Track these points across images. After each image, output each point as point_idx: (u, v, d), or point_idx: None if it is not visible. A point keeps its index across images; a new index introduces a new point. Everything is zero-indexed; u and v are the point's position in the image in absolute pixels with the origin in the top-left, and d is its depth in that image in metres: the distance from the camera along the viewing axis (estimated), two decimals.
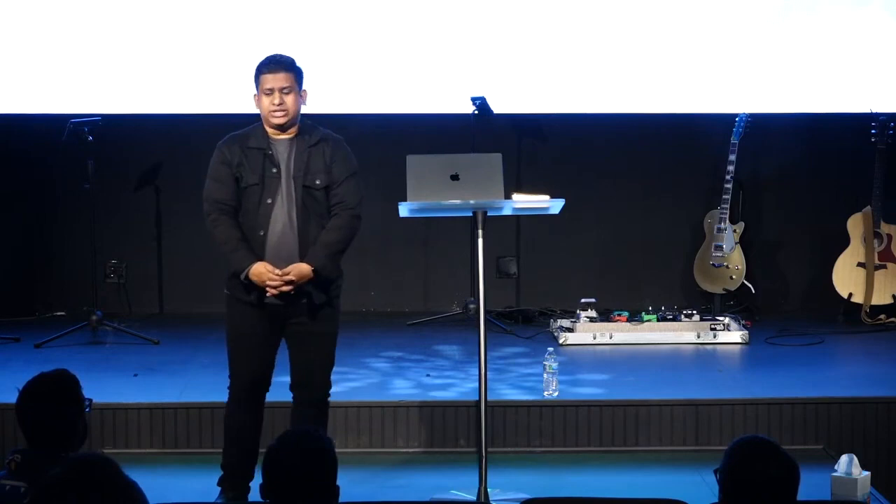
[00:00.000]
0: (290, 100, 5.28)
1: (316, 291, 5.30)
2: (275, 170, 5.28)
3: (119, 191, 8.61)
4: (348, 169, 5.36)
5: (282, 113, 5.28)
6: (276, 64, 5.31)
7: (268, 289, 5.20)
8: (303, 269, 5.23)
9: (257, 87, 5.34)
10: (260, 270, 5.19)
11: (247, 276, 5.21)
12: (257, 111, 5.38)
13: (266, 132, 5.34)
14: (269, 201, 5.27)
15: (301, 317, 5.31)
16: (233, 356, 5.39)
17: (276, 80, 5.28)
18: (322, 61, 8.46)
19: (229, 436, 5.46)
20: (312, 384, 5.40)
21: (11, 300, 8.61)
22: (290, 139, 5.33)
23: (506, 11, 8.55)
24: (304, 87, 5.37)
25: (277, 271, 5.19)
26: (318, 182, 5.30)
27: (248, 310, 5.29)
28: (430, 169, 5.57)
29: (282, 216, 5.28)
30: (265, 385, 5.43)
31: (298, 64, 5.37)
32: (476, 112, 8.19)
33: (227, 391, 5.44)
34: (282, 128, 5.31)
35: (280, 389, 5.51)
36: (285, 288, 5.20)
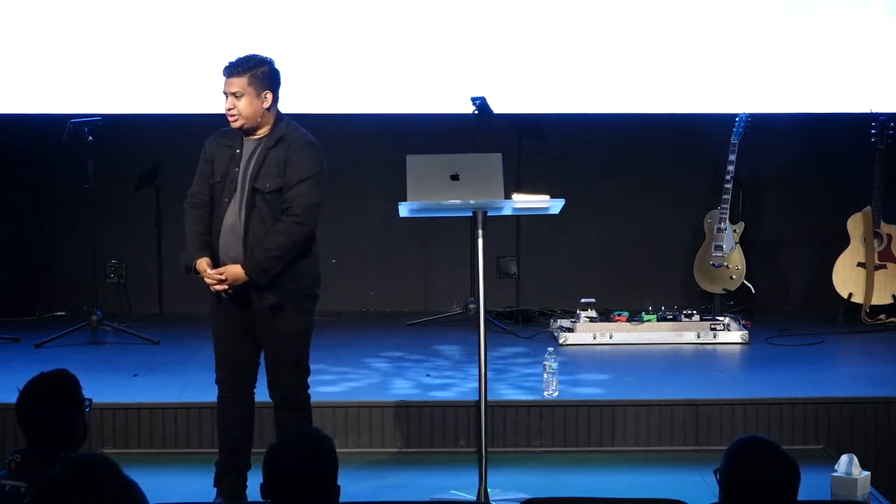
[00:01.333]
0: (241, 104, 5.26)
1: (275, 293, 5.29)
2: (236, 169, 5.31)
3: (119, 191, 8.60)
4: (302, 173, 5.28)
5: (233, 118, 5.29)
6: (229, 68, 5.31)
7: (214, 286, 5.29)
8: (236, 270, 5.25)
9: None
10: (201, 267, 5.29)
11: (193, 270, 5.31)
12: None
13: (242, 132, 5.38)
14: (227, 200, 5.31)
15: (263, 317, 5.33)
16: (215, 356, 5.49)
17: (228, 84, 5.29)
18: (322, 61, 8.47)
19: (218, 430, 5.55)
20: (279, 385, 5.40)
21: (11, 300, 8.61)
22: (258, 140, 5.33)
23: (506, 11, 8.55)
24: (269, 88, 5.30)
25: (210, 271, 5.25)
26: (268, 185, 5.28)
27: (215, 304, 5.38)
28: (430, 169, 5.57)
29: (231, 216, 5.30)
30: (244, 380, 5.43)
31: (265, 66, 5.32)
32: (476, 112, 8.19)
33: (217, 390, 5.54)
34: (243, 131, 5.32)
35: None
36: (219, 287, 5.25)
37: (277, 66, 5.41)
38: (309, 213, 5.30)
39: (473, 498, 5.49)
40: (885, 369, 7.25)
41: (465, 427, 6.37)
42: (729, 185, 8.36)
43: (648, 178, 8.84)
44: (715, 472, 3.53)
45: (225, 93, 5.29)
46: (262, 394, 5.50)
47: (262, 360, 5.45)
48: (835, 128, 8.72)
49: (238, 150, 5.32)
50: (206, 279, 5.27)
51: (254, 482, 5.37)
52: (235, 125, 5.31)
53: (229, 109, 5.28)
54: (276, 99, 5.34)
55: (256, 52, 5.40)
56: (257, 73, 5.29)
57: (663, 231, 8.84)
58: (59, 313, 8.61)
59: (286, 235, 5.26)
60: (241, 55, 5.37)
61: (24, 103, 8.51)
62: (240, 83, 5.27)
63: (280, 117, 5.37)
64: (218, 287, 5.25)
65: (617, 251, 8.87)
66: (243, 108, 5.27)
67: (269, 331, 5.34)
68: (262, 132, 5.33)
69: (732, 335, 7.88)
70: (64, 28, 8.47)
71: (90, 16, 8.47)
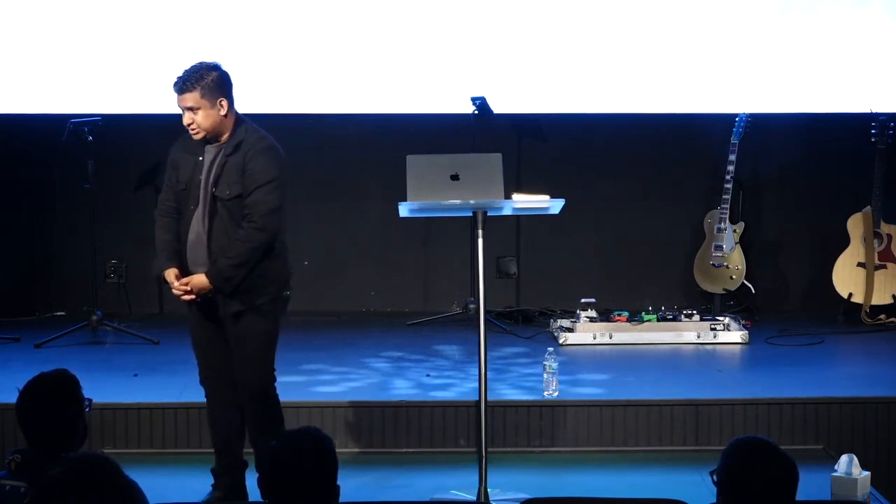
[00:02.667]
0: (199, 117, 5.26)
1: (238, 300, 5.30)
2: (200, 177, 5.32)
3: (119, 191, 8.60)
4: (260, 179, 5.27)
5: (195, 132, 5.30)
6: (179, 84, 5.28)
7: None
8: (201, 280, 5.30)
9: None
10: (168, 277, 5.36)
11: (162, 279, 5.39)
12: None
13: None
14: (192, 208, 5.34)
15: (229, 322, 5.36)
16: (196, 358, 5.56)
17: (181, 100, 5.29)
18: (322, 61, 8.47)
19: (211, 434, 5.60)
20: (243, 384, 5.42)
21: (11, 300, 8.61)
22: (218, 147, 5.33)
23: (506, 11, 8.55)
24: (222, 95, 5.27)
25: (176, 282, 5.31)
26: (227, 192, 5.28)
27: (192, 309, 5.43)
28: (430, 169, 5.57)
29: (196, 224, 5.33)
30: (225, 381, 5.45)
31: (213, 74, 5.27)
32: (476, 112, 8.19)
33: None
34: (205, 141, 5.32)
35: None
36: (186, 297, 5.31)
37: (225, 67, 5.37)
38: (268, 219, 5.28)
39: (473, 498, 5.50)
40: (885, 369, 7.25)
41: (465, 427, 6.37)
42: (729, 185, 8.36)
43: (648, 178, 8.84)
44: (711, 473, 3.52)
45: (181, 108, 5.28)
46: None
47: None
48: (835, 128, 8.72)
49: (200, 158, 5.33)
50: (172, 290, 5.34)
51: (253, 482, 5.37)
52: (198, 138, 5.31)
53: (189, 125, 5.28)
54: (231, 103, 5.32)
55: (202, 60, 5.37)
56: (207, 83, 5.26)
57: (663, 231, 8.84)
58: (59, 313, 8.61)
59: (246, 243, 5.26)
60: (188, 67, 5.33)
61: (24, 103, 8.51)
62: (193, 98, 5.25)
63: (240, 120, 5.36)
64: (185, 297, 5.32)
65: (617, 251, 8.87)
66: (202, 121, 5.27)
67: (234, 335, 5.37)
68: (224, 138, 5.33)
69: (732, 335, 7.88)
70: (64, 28, 8.47)
71: (90, 16, 8.47)
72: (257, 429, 5.36)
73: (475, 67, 8.52)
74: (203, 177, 5.31)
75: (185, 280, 5.30)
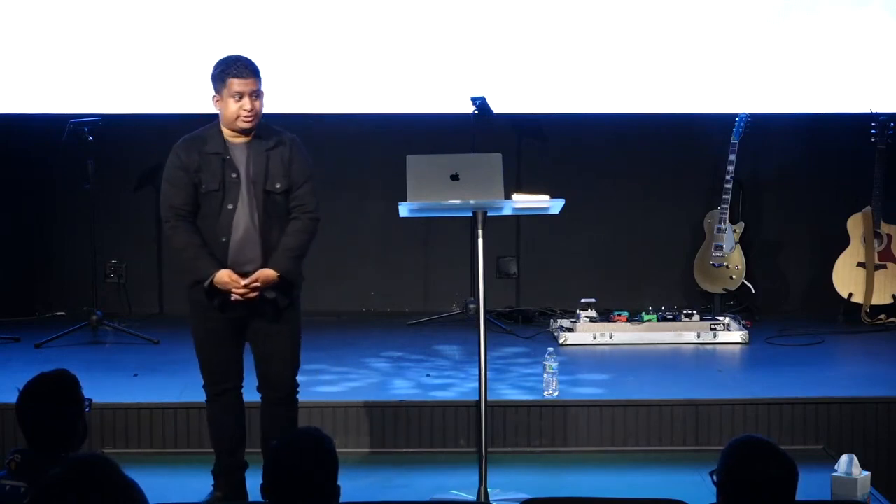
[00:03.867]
0: (258, 104, 5.25)
1: (279, 294, 5.30)
2: (234, 175, 5.25)
3: (119, 191, 8.60)
4: (307, 172, 5.34)
5: (252, 117, 5.24)
6: (246, 68, 5.24)
7: (233, 294, 5.21)
8: (268, 274, 5.24)
9: (220, 89, 5.26)
10: (224, 280, 5.20)
11: (211, 284, 5.20)
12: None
13: (223, 135, 5.29)
14: (231, 207, 5.24)
15: (264, 318, 5.32)
16: (202, 361, 5.42)
17: (246, 84, 5.23)
18: (322, 61, 8.47)
19: (212, 434, 5.51)
20: (278, 383, 5.40)
21: (11, 300, 8.61)
22: (247, 143, 5.29)
23: (506, 11, 8.55)
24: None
25: (242, 280, 5.20)
26: (278, 186, 5.28)
27: (211, 314, 5.28)
28: (430, 169, 5.57)
29: (244, 221, 5.26)
30: (238, 383, 5.44)
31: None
32: (476, 112, 8.19)
33: (204, 395, 5.49)
34: (247, 132, 5.27)
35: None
36: (252, 295, 5.22)
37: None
38: (319, 210, 5.37)
39: (473, 498, 5.49)
40: (885, 369, 7.25)
41: (465, 427, 6.37)
42: (729, 185, 8.36)
43: (648, 178, 8.84)
44: (711, 474, 3.52)
45: (239, 93, 5.22)
46: (249, 393, 5.51)
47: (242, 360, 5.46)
48: (835, 128, 8.72)
49: (227, 156, 5.27)
50: (234, 290, 5.20)
51: (253, 482, 5.37)
52: (249, 126, 5.24)
53: (250, 110, 5.22)
54: None
55: (240, 55, 5.35)
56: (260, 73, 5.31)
57: (663, 231, 8.84)
58: (59, 313, 8.61)
59: (308, 233, 5.32)
60: (233, 55, 5.32)
61: (24, 103, 8.51)
62: (257, 83, 5.25)
63: None
64: (251, 295, 5.21)
65: (617, 251, 8.87)
66: (259, 109, 5.26)
67: (270, 331, 5.33)
68: (252, 133, 5.30)
69: (732, 335, 7.88)
70: (64, 28, 8.47)
71: (90, 16, 8.47)
72: (281, 428, 5.25)
73: (475, 67, 8.52)
74: (244, 173, 5.24)
75: (255, 276, 5.19)
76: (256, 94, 5.24)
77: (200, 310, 5.32)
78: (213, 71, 5.33)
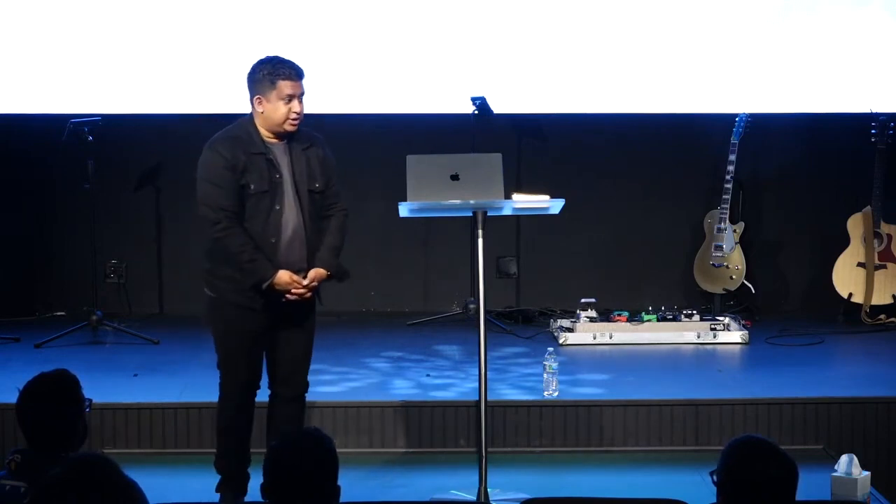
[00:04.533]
0: (303, 107, 5.26)
1: (316, 293, 5.36)
2: (278, 175, 5.23)
3: (119, 191, 8.60)
4: (334, 168, 5.41)
5: (296, 122, 5.24)
6: (295, 71, 5.23)
7: (288, 295, 5.20)
8: (321, 273, 5.28)
9: (266, 91, 5.21)
10: (285, 280, 5.19)
11: (269, 285, 5.18)
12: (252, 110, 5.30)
13: (261, 136, 5.26)
14: (278, 208, 5.21)
15: (291, 319, 5.31)
16: (228, 358, 5.35)
17: (296, 87, 5.21)
18: (322, 61, 8.46)
19: (228, 438, 5.43)
20: (298, 381, 5.42)
21: (11, 300, 8.61)
22: (284, 143, 5.28)
23: (506, 11, 8.55)
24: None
25: (303, 280, 5.22)
26: (317, 185, 5.31)
27: (243, 312, 5.25)
28: (430, 169, 5.57)
29: (292, 222, 5.25)
30: (258, 384, 5.43)
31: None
32: (476, 112, 8.19)
33: (221, 394, 5.40)
34: (289, 135, 5.26)
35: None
36: (308, 294, 5.25)
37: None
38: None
39: (473, 498, 5.49)
40: (885, 369, 7.25)
41: (465, 427, 6.37)
42: (729, 185, 8.36)
43: (648, 178, 8.84)
44: (711, 474, 3.52)
45: (290, 96, 5.19)
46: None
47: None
48: (835, 128, 8.72)
49: (270, 156, 5.24)
50: (294, 290, 5.20)
51: (253, 482, 5.37)
52: (294, 129, 5.23)
53: (298, 113, 5.21)
54: None
55: (283, 57, 5.33)
56: None
57: (663, 231, 8.84)
58: (59, 313, 8.61)
59: (343, 230, 5.39)
60: (279, 56, 5.29)
61: (24, 103, 8.51)
62: (303, 86, 5.25)
63: None
64: (308, 295, 5.25)
65: (617, 251, 8.87)
66: (302, 112, 5.26)
67: (303, 332, 5.37)
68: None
69: (732, 335, 7.88)
70: (64, 28, 8.47)
71: (90, 16, 8.47)
72: (295, 425, 5.26)
73: (475, 67, 8.52)
74: (288, 173, 5.23)
75: (311, 275, 5.23)
76: (302, 97, 5.24)
77: (239, 313, 5.25)
78: (257, 72, 5.26)
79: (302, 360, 5.41)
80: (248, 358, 5.33)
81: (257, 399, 5.46)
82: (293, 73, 5.22)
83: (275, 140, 5.27)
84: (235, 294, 5.25)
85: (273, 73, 5.21)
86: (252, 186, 5.18)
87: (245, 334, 5.29)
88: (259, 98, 5.24)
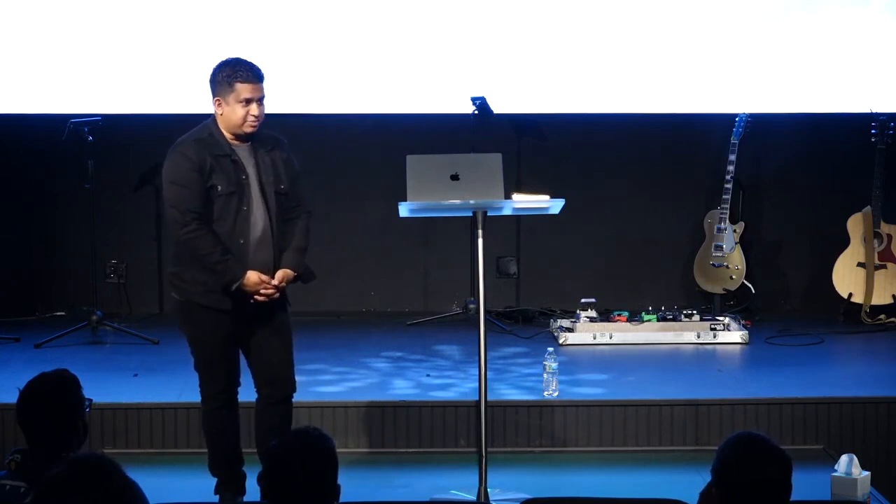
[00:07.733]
0: (262, 110, 5.24)
1: (283, 294, 5.32)
2: (244, 176, 5.23)
3: (119, 191, 8.60)
4: (298, 170, 5.39)
5: (255, 125, 5.22)
6: (253, 74, 5.21)
7: (257, 296, 5.19)
8: (289, 273, 5.27)
9: (225, 93, 5.20)
10: (254, 280, 5.17)
11: (238, 286, 5.17)
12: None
13: (226, 137, 5.25)
14: (246, 208, 5.21)
15: (261, 320, 5.29)
16: (203, 361, 5.35)
17: (254, 90, 5.19)
18: (322, 61, 8.47)
19: (216, 442, 5.45)
20: (285, 383, 5.39)
21: (11, 300, 8.61)
22: (248, 145, 5.27)
23: (506, 11, 8.55)
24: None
25: (272, 280, 5.21)
26: (282, 187, 5.29)
27: (214, 314, 5.24)
28: (430, 169, 5.57)
29: (261, 223, 5.24)
30: (237, 384, 5.43)
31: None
32: (476, 112, 8.19)
33: (202, 397, 5.42)
34: (250, 136, 5.25)
35: (247, 390, 5.51)
36: (277, 295, 5.23)
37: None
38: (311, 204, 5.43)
39: (473, 498, 5.50)
40: (885, 369, 7.25)
41: (465, 427, 6.37)
42: (729, 185, 8.37)
43: (648, 178, 8.84)
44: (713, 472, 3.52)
45: (248, 99, 5.18)
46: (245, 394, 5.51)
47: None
48: (835, 128, 8.72)
49: (235, 157, 5.24)
50: (262, 290, 5.18)
51: (253, 482, 5.37)
52: (253, 131, 5.22)
53: (256, 116, 5.19)
54: None
55: (243, 58, 5.31)
56: None
57: (663, 231, 8.84)
58: (59, 313, 8.61)
59: (308, 232, 5.37)
60: (234, 58, 5.28)
61: (24, 103, 8.51)
62: (263, 88, 5.24)
63: None
64: (276, 295, 5.23)
65: (617, 251, 8.87)
66: (262, 114, 5.24)
67: (277, 331, 5.33)
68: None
69: (732, 335, 7.88)
70: (64, 28, 8.47)
71: (90, 16, 8.47)
72: (282, 428, 5.20)
73: (475, 67, 8.52)
74: (254, 174, 5.23)
75: (279, 276, 5.22)
76: (262, 100, 5.22)
77: (208, 315, 5.24)
78: (216, 74, 5.27)
79: (283, 361, 5.36)
80: (222, 360, 5.33)
81: (244, 399, 5.46)
82: (251, 75, 5.20)
83: (238, 142, 5.26)
84: (203, 296, 5.23)
85: (231, 75, 5.21)
86: (219, 188, 5.18)
87: (216, 336, 5.28)
88: (218, 100, 5.25)
